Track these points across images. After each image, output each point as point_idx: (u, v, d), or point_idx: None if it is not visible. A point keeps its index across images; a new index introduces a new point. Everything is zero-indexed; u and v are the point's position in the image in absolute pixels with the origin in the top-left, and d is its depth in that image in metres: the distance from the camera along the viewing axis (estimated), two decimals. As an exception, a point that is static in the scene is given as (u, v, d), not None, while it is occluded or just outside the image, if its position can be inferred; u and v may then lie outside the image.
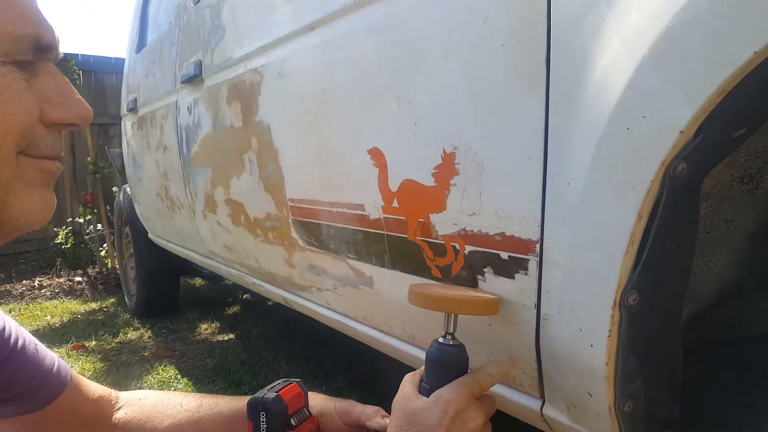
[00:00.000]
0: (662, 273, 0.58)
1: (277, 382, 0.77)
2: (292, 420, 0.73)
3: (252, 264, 1.58)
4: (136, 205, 2.86)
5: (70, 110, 0.51)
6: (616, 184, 0.55)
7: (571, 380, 0.67)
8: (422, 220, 0.82)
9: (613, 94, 0.54)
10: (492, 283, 0.73)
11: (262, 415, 0.71)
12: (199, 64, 1.66)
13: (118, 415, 0.82)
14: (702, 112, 0.49)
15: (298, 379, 0.78)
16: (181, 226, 2.13)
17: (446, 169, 0.76)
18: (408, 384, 0.67)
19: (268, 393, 0.73)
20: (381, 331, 1.07)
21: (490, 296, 0.71)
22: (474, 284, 0.77)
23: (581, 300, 0.61)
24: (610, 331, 0.59)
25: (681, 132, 0.50)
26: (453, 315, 0.67)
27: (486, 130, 0.70)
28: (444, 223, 0.78)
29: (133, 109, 2.54)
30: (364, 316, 1.11)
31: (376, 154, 0.89)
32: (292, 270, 1.32)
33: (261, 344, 2.57)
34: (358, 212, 0.97)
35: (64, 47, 0.52)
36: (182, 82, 1.80)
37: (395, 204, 0.87)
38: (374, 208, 0.92)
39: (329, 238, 1.08)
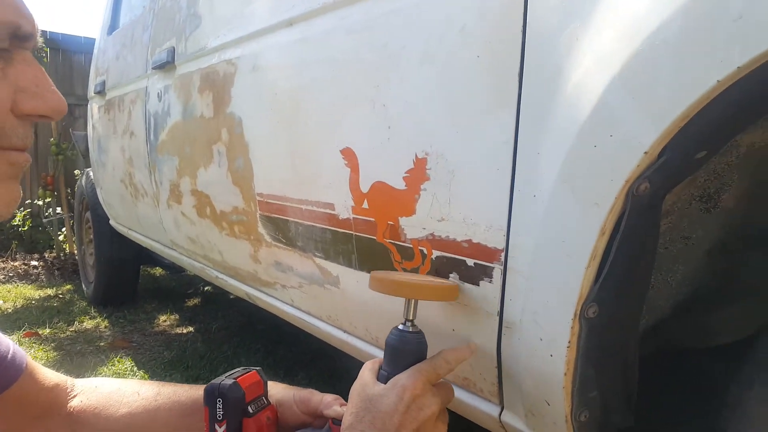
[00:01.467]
0: (622, 287, 0.59)
1: (236, 369, 0.76)
2: (249, 408, 0.72)
3: (216, 257, 1.56)
4: (98, 191, 2.79)
5: (44, 102, 0.49)
6: (581, 199, 0.57)
7: (530, 388, 0.68)
8: (391, 222, 0.83)
9: (583, 111, 0.56)
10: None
11: (219, 401, 0.70)
12: (172, 51, 1.63)
13: (73, 404, 0.80)
14: (666, 134, 0.51)
15: (258, 368, 0.77)
16: (144, 214, 2.09)
17: (417, 173, 0.76)
18: (367, 371, 0.67)
19: (225, 380, 0.72)
20: (345, 331, 1.07)
21: (450, 282, 0.72)
22: (439, 289, 0.77)
23: (543, 310, 0.62)
24: (569, 342, 0.60)
25: (645, 152, 0.51)
26: (413, 301, 0.68)
27: (457, 138, 0.70)
28: (413, 227, 0.79)
29: (100, 92, 2.48)
30: (328, 316, 1.11)
31: (349, 155, 0.89)
32: (257, 265, 1.31)
33: (221, 338, 2.54)
34: (328, 211, 0.96)
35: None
36: (153, 68, 1.77)
37: (365, 205, 0.87)
38: (344, 208, 0.92)
39: (297, 235, 1.08)
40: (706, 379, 0.84)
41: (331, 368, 2.08)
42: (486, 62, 0.66)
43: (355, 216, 0.90)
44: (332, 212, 0.95)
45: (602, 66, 0.54)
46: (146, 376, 2.10)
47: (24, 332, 2.64)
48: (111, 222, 2.77)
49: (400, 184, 0.80)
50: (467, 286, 0.72)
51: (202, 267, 1.73)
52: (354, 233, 0.91)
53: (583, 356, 0.62)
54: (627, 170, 0.53)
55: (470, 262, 0.71)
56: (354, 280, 0.95)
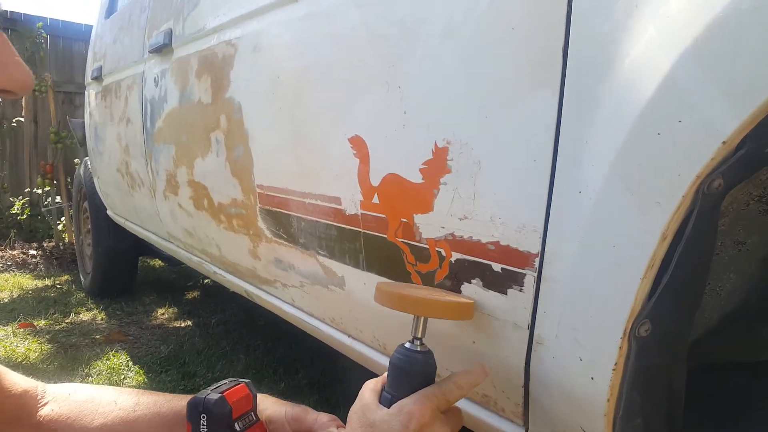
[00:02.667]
0: (677, 301, 0.51)
1: (223, 381, 0.70)
2: (236, 425, 0.66)
3: (213, 252, 1.47)
4: (95, 180, 2.71)
5: (4, 74, 0.43)
6: (639, 196, 0.47)
7: (562, 412, 0.59)
8: (405, 220, 0.74)
9: (644, 92, 0.47)
10: (480, 297, 0.65)
11: (203, 417, 0.65)
12: (169, 33, 1.54)
13: (44, 412, 0.73)
14: (750, 120, 0.41)
15: (247, 380, 0.71)
16: (140, 204, 2.01)
17: (437, 165, 0.67)
18: (368, 392, 0.61)
19: (211, 393, 0.66)
20: (350, 336, 0.98)
21: (464, 300, 0.64)
22: (459, 296, 0.69)
23: (585, 326, 0.53)
24: (616, 363, 0.51)
25: (724, 142, 0.42)
26: (422, 318, 0.61)
27: (486, 124, 0.61)
28: (430, 226, 0.70)
29: (97, 78, 2.39)
30: (332, 318, 1.02)
31: (358, 144, 0.80)
32: (256, 262, 1.22)
33: (220, 333, 2.46)
34: (334, 206, 0.88)
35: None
36: (150, 52, 1.67)
37: (375, 200, 0.78)
38: (351, 203, 0.83)
39: (299, 231, 0.99)
40: (753, 396, 0.76)
41: (333, 369, 1.99)
42: (522, 34, 0.57)
43: (363, 212, 0.81)
44: (338, 207, 0.86)
45: (670, 37, 0.45)
46: (141, 372, 2.02)
47: (19, 323, 2.57)
48: (108, 212, 2.68)
49: (416, 177, 0.71)
50: (492, 294, 0.63)
51: (200, 261, 1.65)
52: (362, 231, 0.82)
53: (630, 379, 0.53)
54: (699, 163, 0.43)
55: (497, 267, 0.62)
56: (361, 282, 0.86)
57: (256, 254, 1.20)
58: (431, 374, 0.61)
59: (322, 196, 0.90)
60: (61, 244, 4.35)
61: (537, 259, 0.57)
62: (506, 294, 0.61)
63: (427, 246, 0.71)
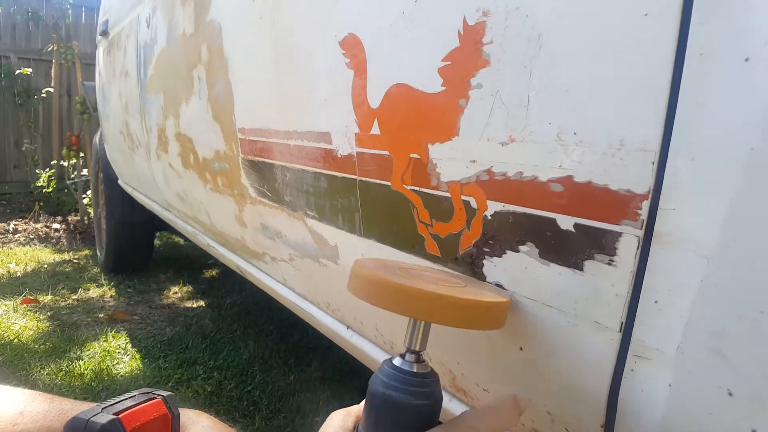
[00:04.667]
0: None
1: (132, 393, 0.48)
2: None
3: (204, 219, 1.24)
4: (105, 146, 2.53)
5: None
6: None
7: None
8: (416, 155, 0.48)
9: None
10: (534, 275, 0.39)
11: None
12: (161, -37, 1.31)
13: None
14: None
15: (167, 394, 0.48)
16: (140, 169, 1.80)
17: (465, 56, 0.41)
18: (333, 431, 0.38)
19: (101, 413, 0.44)
20: (348, 327, 0.73)
21: (493, 297, 0.38)
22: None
23: (744, 333, 0.27)
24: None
25: None
26: (420, 322, 0.37)
27: (553, -31, 0.35)
28: (453, 161, 0.44)
29: (104, 33, 2.19)
30: (327, 303, 0.77)
31: (352, 46, 0.54)
32: (243, 230, 0.98)
33: (232, 316, 2.26)
34: (323, 145, 0.62)
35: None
36: (144, -11, 1.45)
37: (375, 129, 0.53)
38: (344, 139, 0.58)
39: (284, 185, 0.74)
40: None
41: (349, 360, 1.75)
42: None
43: (360, 150, 0.56)
44: (328, 147, 0.61)
45: None
46: (137, 356, 1.83)
47: (23, 298, 2.42)
48: (119, 182, 2.50)
49: (432, 84, 0.45)
50: (555, 270, 0.37)
51: (194, 232, 1.43)
52: (358, 178, 0.57)
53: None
54: None
55: (566, 222, 0.36)
56: (358, 253, 0.61)
57: (242, 220, 0.96)
58: (432, 408, 0.36)
59: (308, 133, 0.65)
60: (86, 218, 4.25)
61: (645, 204, 0.30)
62: (581, 270, 0.35)
63: (448, 194, 0.45)
